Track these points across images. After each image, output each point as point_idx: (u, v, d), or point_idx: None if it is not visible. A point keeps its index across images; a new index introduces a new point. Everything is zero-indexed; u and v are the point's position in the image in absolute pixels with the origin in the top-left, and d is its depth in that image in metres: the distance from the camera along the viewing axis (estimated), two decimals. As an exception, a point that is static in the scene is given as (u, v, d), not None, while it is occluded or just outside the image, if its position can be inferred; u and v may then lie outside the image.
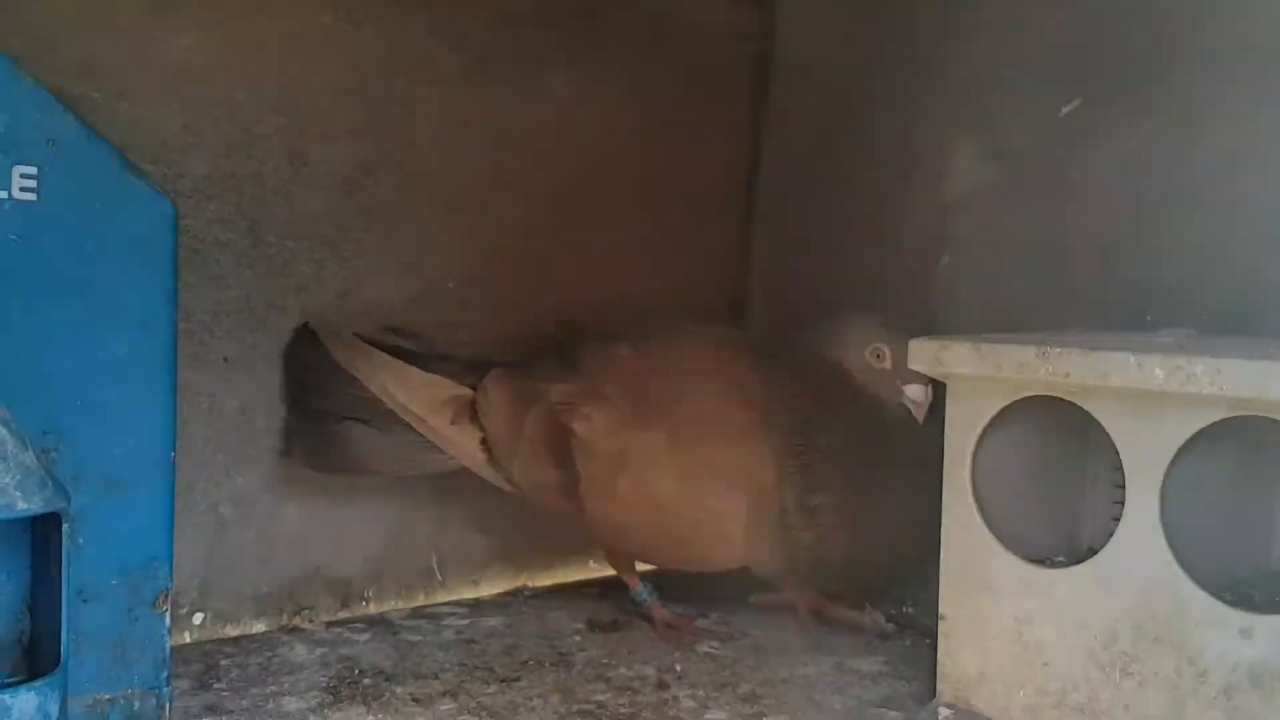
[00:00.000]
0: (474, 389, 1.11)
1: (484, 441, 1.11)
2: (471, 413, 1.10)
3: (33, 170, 0.77)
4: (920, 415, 1.05)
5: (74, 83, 0.97)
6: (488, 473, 1.12)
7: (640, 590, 1.15)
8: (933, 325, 1.17)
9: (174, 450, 0.84)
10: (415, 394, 1.10)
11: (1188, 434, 0.76)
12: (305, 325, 1.11)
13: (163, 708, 0.84)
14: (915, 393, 1.05)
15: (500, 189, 1.23)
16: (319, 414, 1.10)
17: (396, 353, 1.12)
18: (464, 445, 1.10)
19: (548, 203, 1.27)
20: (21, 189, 0.77)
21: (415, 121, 1.17)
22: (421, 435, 1.10)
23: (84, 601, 0.81)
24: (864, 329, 1.08)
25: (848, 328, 1.09)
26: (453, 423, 1.10)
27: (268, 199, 1.08)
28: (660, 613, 1.14)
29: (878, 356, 1.06)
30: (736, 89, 1.43)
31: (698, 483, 1.07)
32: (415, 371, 1.10)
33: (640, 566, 1.18)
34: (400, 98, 1.16)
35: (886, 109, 1.26)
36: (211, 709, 0.91)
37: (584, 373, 1.11)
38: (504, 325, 1.24)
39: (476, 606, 1.22)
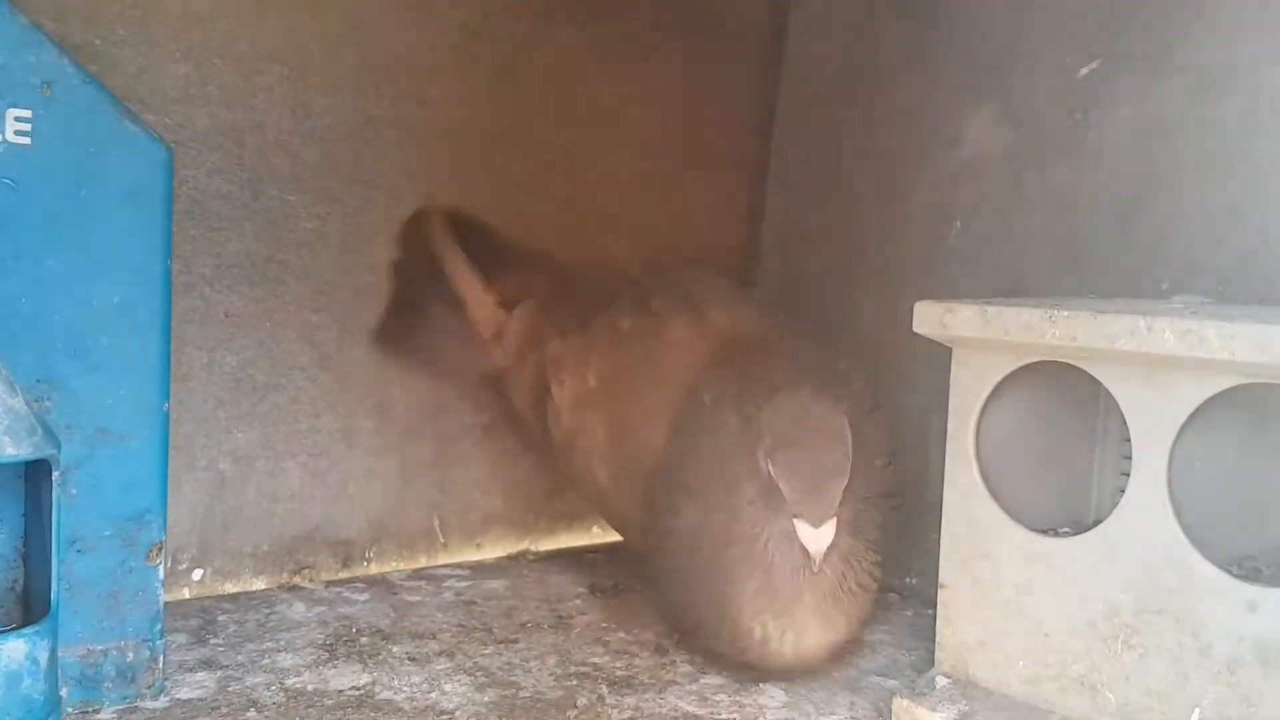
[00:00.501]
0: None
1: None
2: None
3: (27, 114, 0.76)
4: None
5: (76, 29, 0.96)
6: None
7: None
8: (943, 290, 1.16)
9: (168, 401, 0.83)
10: (472, 303, 1.17)
11: (1198, 401, 0.74)
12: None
13: (155, 660, 0.84)
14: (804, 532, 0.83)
15: (504, 145, 1.22)
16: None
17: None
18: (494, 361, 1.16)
19: (555, 160, 1.26)
20: (16, 132, 0.76)
21: (418, 74, 1.16)
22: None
23: (77, 552, 0.80)
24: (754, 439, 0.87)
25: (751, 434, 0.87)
26: (491, 337, 1.16)
27: (269, 151, 1.07)
28: None
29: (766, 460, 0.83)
30: (751, 46, 1.41)
31: (620, 477, 1.02)
32: (477, 283, 1.16)
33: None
34: (402, 50, 1.14)
35: (902, 70, 1.24)
36: (207, 663, 0.91)
37: (589, 333, 1.08)
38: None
39: (478, 569, 1.22)
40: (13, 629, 0.73)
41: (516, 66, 1.22)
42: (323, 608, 1.06)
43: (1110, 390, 0.78)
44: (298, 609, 1.05)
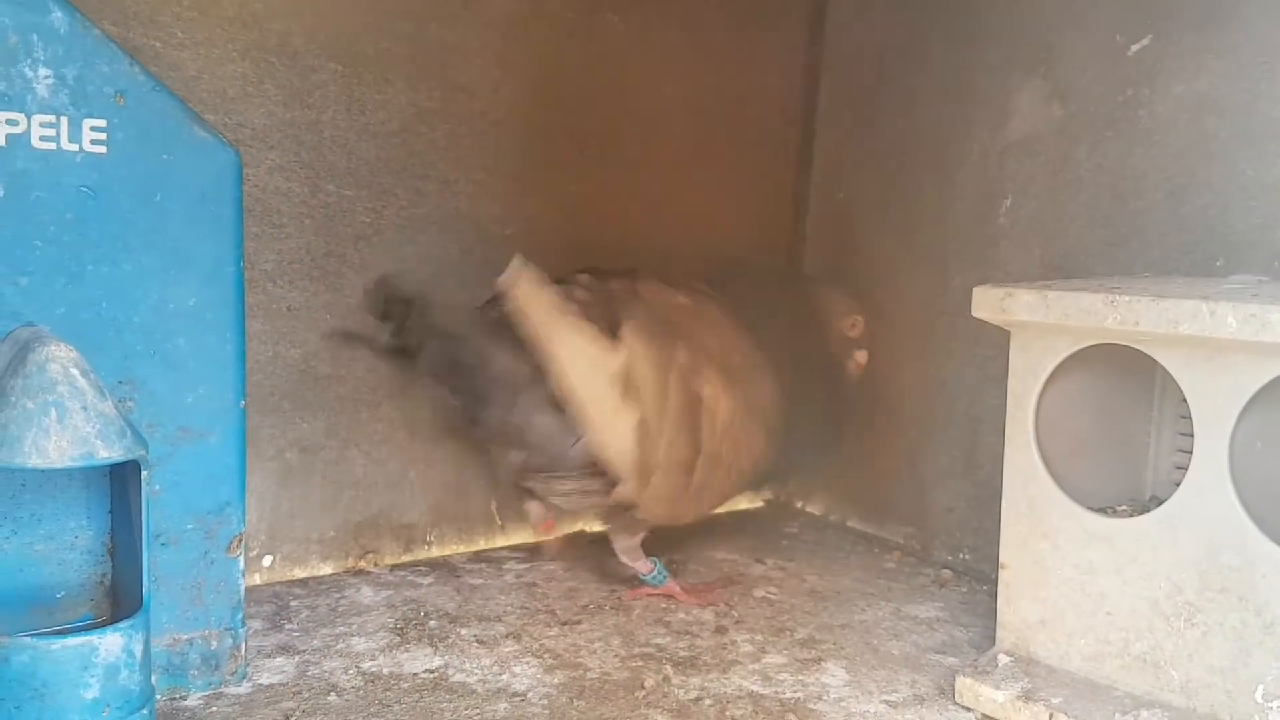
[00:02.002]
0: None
1: (639, 424, 0.98)
2: (625, 384, 0.97)
3: (102, 123, 0.78)
4: (858, 373, 1.22)
5: (137, 33, 0.98)
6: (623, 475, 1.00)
7: (654, 573, 1.10)
8: (993, 269, 1.16)
9: (244, 398, 0.86)
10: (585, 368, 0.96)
11: (1259, 383, 0.75)
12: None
13: (238, 647, 0.87)
14: (863, 357, 1.22)
15: (553, 133, 1.23)
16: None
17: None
18: (619, 431, 0.98)
19: (602, 146, 1.27)
20: (92, 142, 0.78)
21: (469, 67, 1.17)
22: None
23: (161, 546, 0.83)
24: (847, 302, 1.22)
25: (834, 298, 1.22)
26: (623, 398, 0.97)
27: (325, 147, 1.09)
28: (676, 587, 1.10)
29: (852, 326, 1.21)
30: (793, 28, 1.41)
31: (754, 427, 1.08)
32: (581, 323, 0.96)
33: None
34: (454, 43, 1.16)
35: (948, 47, 1.23)
36: (284, 648, 0.94)
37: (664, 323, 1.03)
38: (559, 269, 1.24)
39: (535, 551, 1.24)
40: (106, 622, 0.76)
41: (563, 54, 1.23)
42: (389, 591, 1.09)
43: (1171, 373, 0.79)
44: (365, 593, 1.08)
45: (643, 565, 1.10)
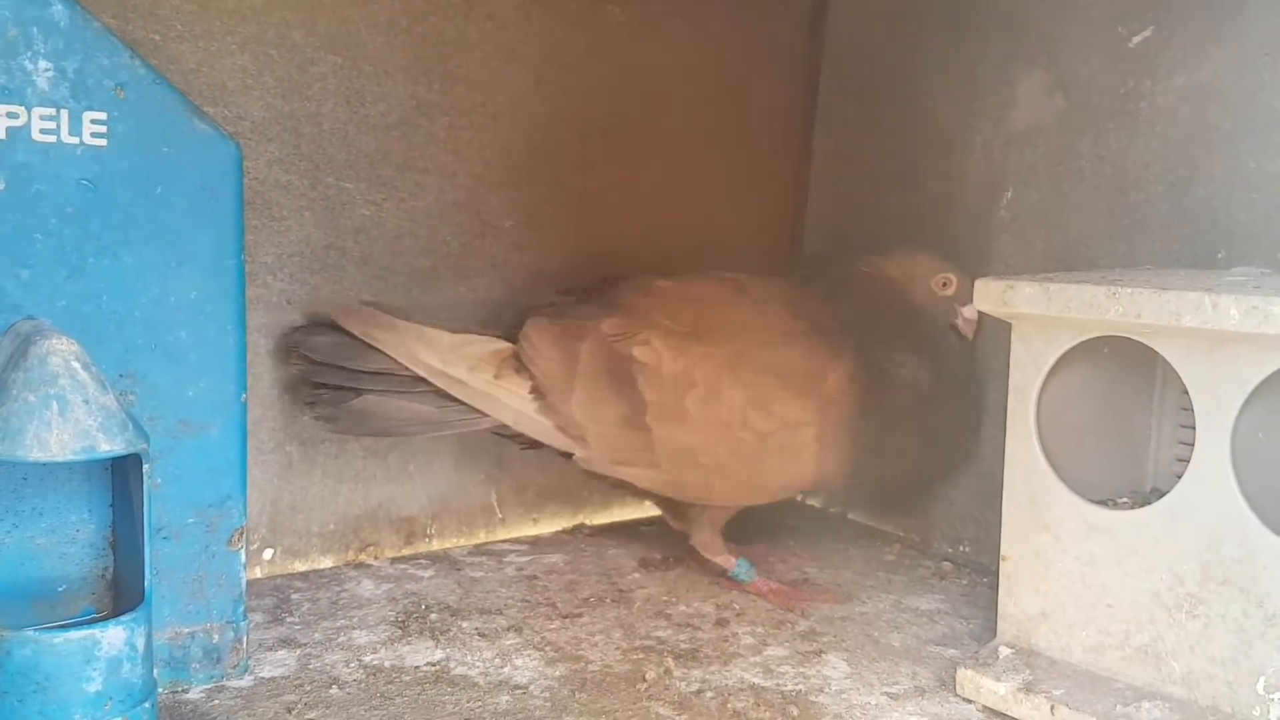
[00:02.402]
0: (511, 341, 1.09)
1: (534, 390, 1.08)
2: (515, 364, 1.08)
3: (102, 116, 0.78)
4: (971, 332, 1.15)
5: (136, 25, 0.98)
6: (533, 423, 1.09)
7: (737, 568, 1.10)
8: (994, 262, 1.16)
9: (245, 391, 0.86)
10: (449, 356, 1.07)
11: (1261, 376, 0.75)
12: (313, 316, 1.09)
13: (240, 640, 0.87)
14: (971, 312, 1.13)
15: (554, 125, 1.23)
16: (336, 389, 1.06)
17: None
18: (510, 398, 1.08)
19: (603, 139, 1.27)
20: (93, 135, 0.78)
21: (469, 59, 1.16)
22: (449, 398, 1.07)
23: (163, 539, 0.83)
24: (933, 260, 1.15)
25: (916, 258, 1.15)
26: (496, 377, 1.08)
27: (325, 140, 1.09)
28: (763, 586, 1.10)
29: (944, 285, 1.14)
30: (794, 20, 1.40)
31: (767, 390, 1.06)
32: (443, 334, 1.08)
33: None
34: (453, 35, 1.15)
35: (949, 39, 1.23)
36: (286, 641, 0.94)
37: (626, 306, 1.10)
38: (559, 264, 1.24)
39: (536, 543, 1.24)
40: (108, 616, 0.76)
41: (564, 46, 1.23)
42: (390, 584, 1.09)
43: (1173, 365, 0.79)
44: (366, 586, 1.08)
45: (724, 560, 1.11)
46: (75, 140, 0.77)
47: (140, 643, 0.72)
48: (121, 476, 0.79)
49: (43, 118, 0.76)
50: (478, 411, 1.08)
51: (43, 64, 0.76)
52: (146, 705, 0.72)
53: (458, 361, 1.07)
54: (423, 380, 1.07)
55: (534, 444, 1.11)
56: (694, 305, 1.11)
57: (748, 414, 1.05)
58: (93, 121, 0.78)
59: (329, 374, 1.06)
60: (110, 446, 0.69)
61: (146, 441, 0.72)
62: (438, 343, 1.07)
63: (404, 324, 1.07)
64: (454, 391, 1.07)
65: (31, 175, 0.76)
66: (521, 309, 1.14)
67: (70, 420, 0.68)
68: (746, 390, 1.06)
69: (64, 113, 0.77)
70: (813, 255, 1.41)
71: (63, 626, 0.72)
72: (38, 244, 0.77)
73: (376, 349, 1.06)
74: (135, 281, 0.81)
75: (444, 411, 1.08)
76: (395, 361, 1.06)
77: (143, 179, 0.80)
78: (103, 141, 0.78)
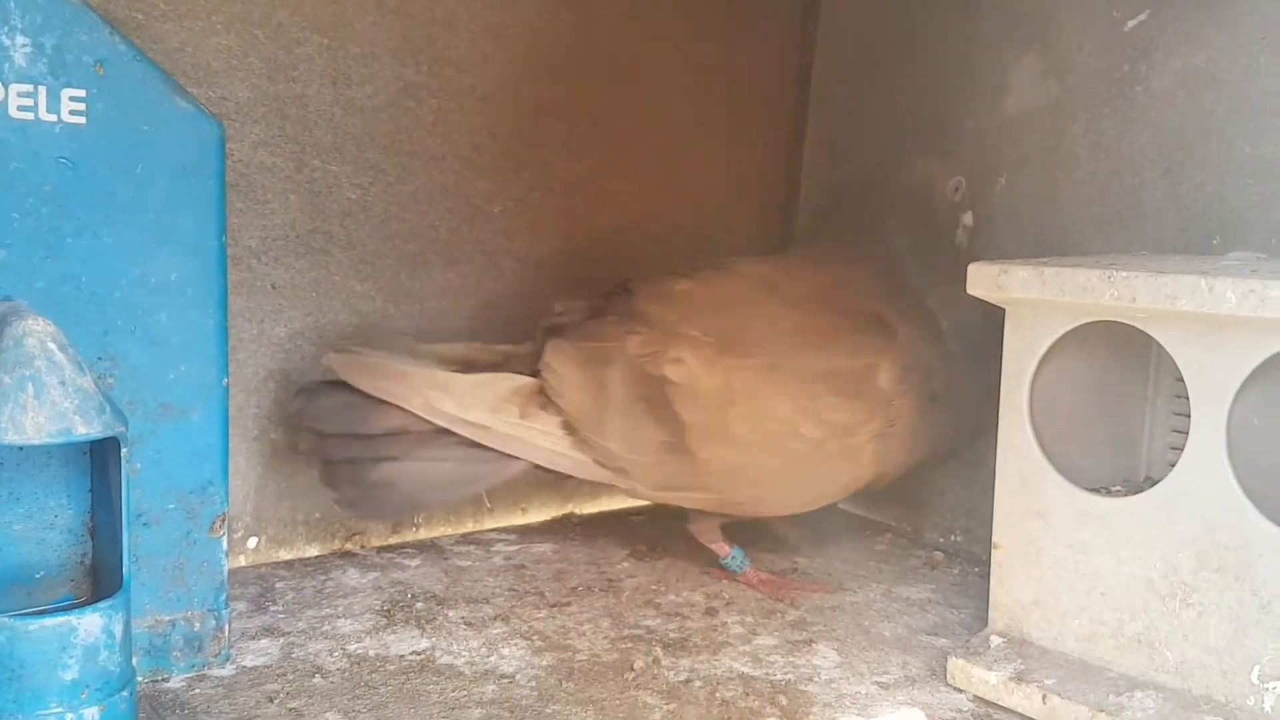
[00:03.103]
0: (532, 373, 1.02)
1: (565, 425, 1.01)
2: (541, 400, 1.01)
3: (81, 93, 0.77)
4: (966, 242, 1.12)
5: (120, 3, 0.96)
6: (569, 461, 1.02)
7: (731, 557, 1.08)
8: (988, 248, 1.15)
9: (227, 375, 0.84)
10: (467, 399, 0.99)
11: (1258, 360, 0.74)
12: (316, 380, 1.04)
13: (221, 629, 0.86)
14: (969, 219, 1.12)
15: (544, 108, 1.22)
16: (351, 463, 1.00)
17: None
18: (540, 438, 1.01)
19: (594, 122, 1.25)
20: (71, 112, 0.76)
21: (458, 40, 1.15)
22: (473, 445, 1.00)
23: (143, 525, 0.82)
24: (944, 164, 1.13)
25: (934, 166, 1.13)
26: (522, 417, 1.00)
27: (311, 122, 1.07)
28: (754, 576, 1.08)
29: (956, 189, 1.12)
30: (787, 3, 1.39)
31: (815, 396, 1.00)
32: (458, 376, 1.00)
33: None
34: (442, 16, 1.14)
35: (943, 22, 1.22)
36: (269, 630, 0.93)
37: (648, 317, 1.03)
38: (550, 249, 1.23)
39: (524, 533, 1.23)
40: (86, 603, 0.75)
41: (555, 27, 1.21)
42: (376, 573, 1.07)
43: (1169, 350, 0.78)
44: (352, 575, 1.07)
45: (719, 547, 1.08)
46: (53, 118, 0.76)
47: (118, 630, 0.70)
48: (101, 461, 0.78)
49: (20, 94, 0.75)
50: (507, 456, 1.01)
51: (20, 39, 0.74)
52: (125, 694, 0.71)
53: (477, 404, 0.99)
54: (443, 431, 0.99)
55: (566, 478, 1.06)
56: (722, 311, 1.04)
57: (797, 424, 0.99)
58: (71, 99, 0.76)
59: (340, 446, 1.00)
60: (87, 429, 0.68)
61: (125, 425, 0.71)
62: (454, 387, 0.99)
63: (414, 370, 1.00)
64: (478, 438, 1.00)
65: (8, 153, 0.75)
66: (541, 328, 1.07)
67: (46, 403, 0.67)
68: (792, 399, 1.00)
69: (42, 89, 0.75)
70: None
71: (39, 613, 0.71)
72: (15, 223, 0.75)
73: (388, 403, 0.99)
74: (115, 262, 0.79)
75: (471, 465, 1.01)
76: (410, 415, 0.99)
77: (123, 158, 0.79)
78: (82, 119, 0.77)
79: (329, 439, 1.00)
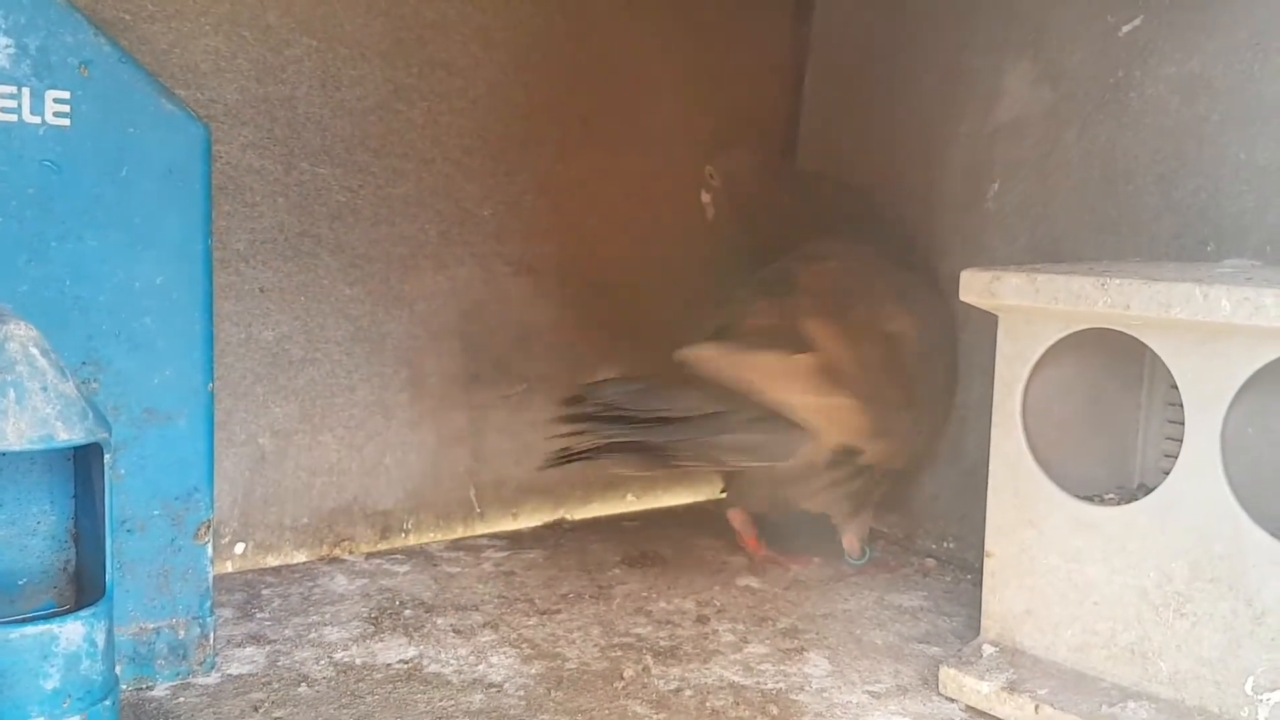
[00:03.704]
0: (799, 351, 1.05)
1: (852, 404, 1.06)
2: (818, 377, 1.05)
3: (65, 95, 0.76)
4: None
5: (107, 4, 0.96)
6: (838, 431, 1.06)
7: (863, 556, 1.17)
8: (980, 255, 1.15)
9: (213, 380, 0.83)
10: (775, 378, 1.03)
11: (1252, 369, 0.73)
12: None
13: (206, 636, 0.85)
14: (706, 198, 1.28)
15: (536, 111, 1.21)
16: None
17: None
18: (825, 409, 1.05)
19: (586, 125, 1.25)
20: (55, 114, 0.76)
21: (449, 42, 1.14)
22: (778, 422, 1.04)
23: (127, 532, 0.81)
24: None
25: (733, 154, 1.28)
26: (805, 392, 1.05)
27: (299, 124, 1.06)
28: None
29: (710, 176, 1.27)
30: (780, 7, 1.39)
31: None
32: (762, 355, 1.04)
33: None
34: (433, 18, 1.13)
35: (936, 27, 1.22)
36: (255, 638, 0.92)
37: (812, 291, 1.10)
38: (541, 252, 1.23)
39: (515, 539, 1.22)
40: (69, 611, 0.74)
41: (546, 30, 1.21)
42: (364, 580, 1.06)
43: (1163, 358, 0.77)
44: (339, 581, 1.06)
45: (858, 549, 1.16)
46: (37, 119, 0.75)
47: (100, 638, 0.69)
48: (84, 467, 0.77)
49: (3, 96, 0.74)
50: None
51: (3, 40, 0.73)
52: (107, 703, 0.70)
53: (780, 382, 1.04)
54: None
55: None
56: (865, 288, 1.13)
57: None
58: (56, 100, 0.75)
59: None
60: (69, 435, 0.67)
61: (108, 430, 0.70)
62: (768, 368, 1.04)
63: (745, 353, 1.04)
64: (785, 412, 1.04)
65: (-9, 155, 0.74)
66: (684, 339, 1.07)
67: (28, 409, 0.66)
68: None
69: (25, 91, 0.74)
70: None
71: (20, 621, 0.70)
72: (-3, 226, 0.74)
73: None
74: (99, 266, 0.78)
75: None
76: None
77: (108, 160, 0.78)
78: (66, 121, 0.76)
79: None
